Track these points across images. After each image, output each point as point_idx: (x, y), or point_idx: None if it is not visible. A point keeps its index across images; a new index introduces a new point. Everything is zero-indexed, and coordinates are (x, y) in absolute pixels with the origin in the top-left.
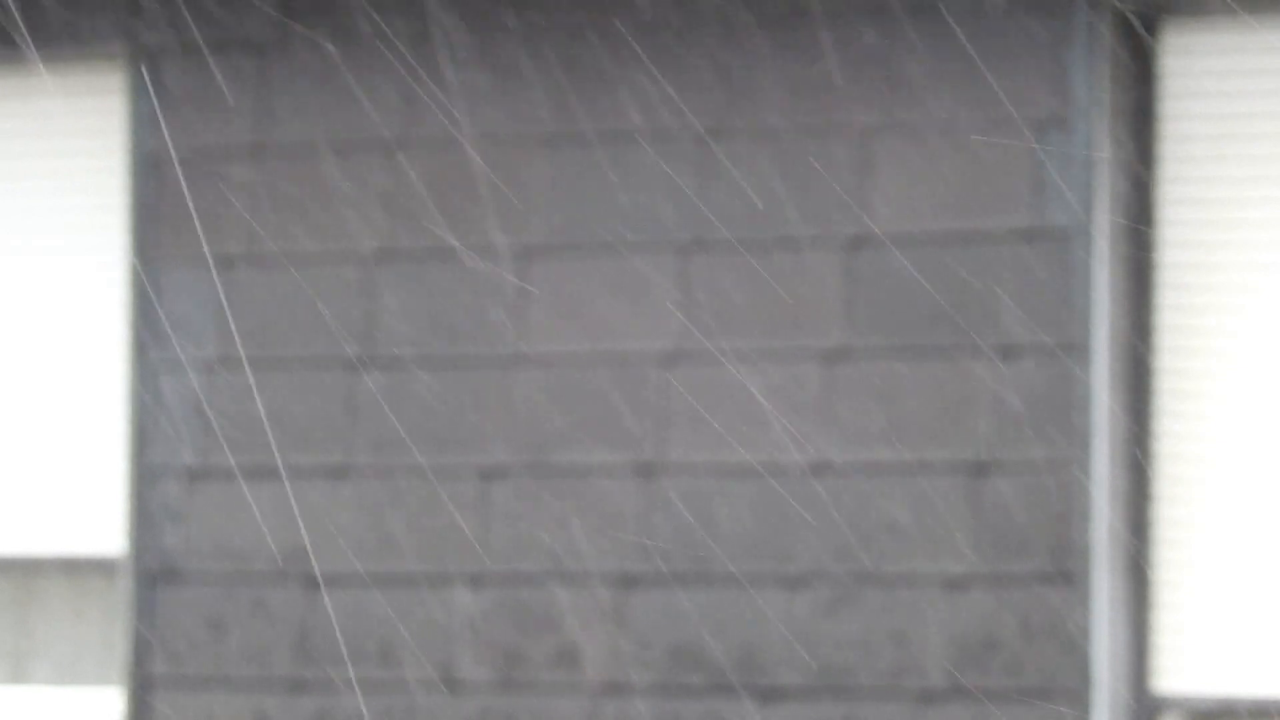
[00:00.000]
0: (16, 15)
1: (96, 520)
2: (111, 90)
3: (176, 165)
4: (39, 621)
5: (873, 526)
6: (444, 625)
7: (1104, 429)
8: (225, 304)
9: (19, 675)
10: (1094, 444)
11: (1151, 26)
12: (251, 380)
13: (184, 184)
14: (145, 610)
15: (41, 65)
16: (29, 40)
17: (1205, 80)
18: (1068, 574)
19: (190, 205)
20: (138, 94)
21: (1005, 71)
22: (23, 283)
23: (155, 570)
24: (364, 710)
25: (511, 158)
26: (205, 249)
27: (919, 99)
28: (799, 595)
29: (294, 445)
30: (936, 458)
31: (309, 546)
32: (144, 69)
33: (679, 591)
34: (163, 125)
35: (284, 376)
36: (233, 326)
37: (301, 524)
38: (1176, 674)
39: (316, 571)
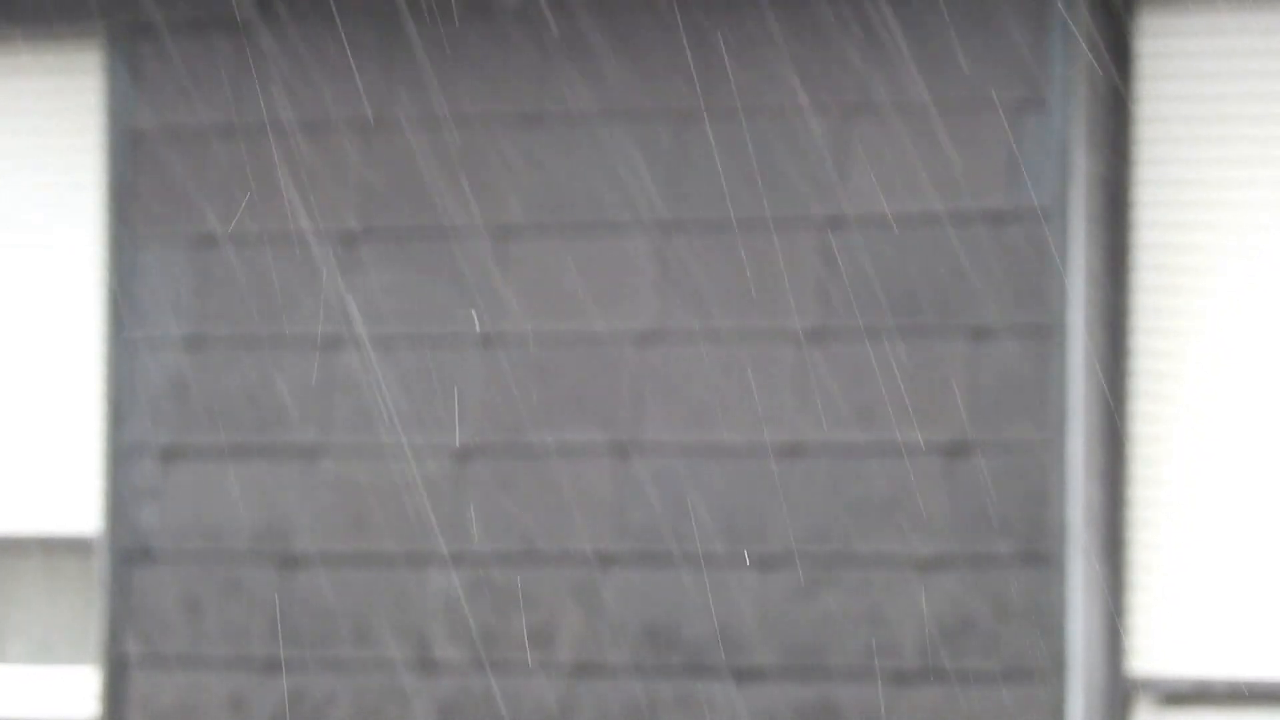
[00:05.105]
0: None
1: (72, 499)
2: (89, 68)
3: (153, 143)
4: (14, 601)
5: (848, 507)
6: (419, 605)
7: (1080, 410)
8: (201, 282)
9: None
10: (1070, 425)
11: (1128, 8)
12: (227, 359)
13: (160, 162)
14: (120, 589)
15: (19, 43)
16: (5, 18)
17: (1182, 62)
18: (1043, 555)
19: (167, 184)
20: (115, 72)
21: (982, 52)
22: None
23: (130, 549)
24: (339, 690)
25: (488, 138)
26: (181, 227)
27: (896, 80)
28: (774, 575)
29: (269, 424)
30: (912, 438)
31: (284, 526)
32: (121, 47)
33: (654, 571)
34: (140, 103)
35: (259, 355)
36: (208, 305)
37: (276, 503)
38: (1152, 655)
39: (291, 551)
